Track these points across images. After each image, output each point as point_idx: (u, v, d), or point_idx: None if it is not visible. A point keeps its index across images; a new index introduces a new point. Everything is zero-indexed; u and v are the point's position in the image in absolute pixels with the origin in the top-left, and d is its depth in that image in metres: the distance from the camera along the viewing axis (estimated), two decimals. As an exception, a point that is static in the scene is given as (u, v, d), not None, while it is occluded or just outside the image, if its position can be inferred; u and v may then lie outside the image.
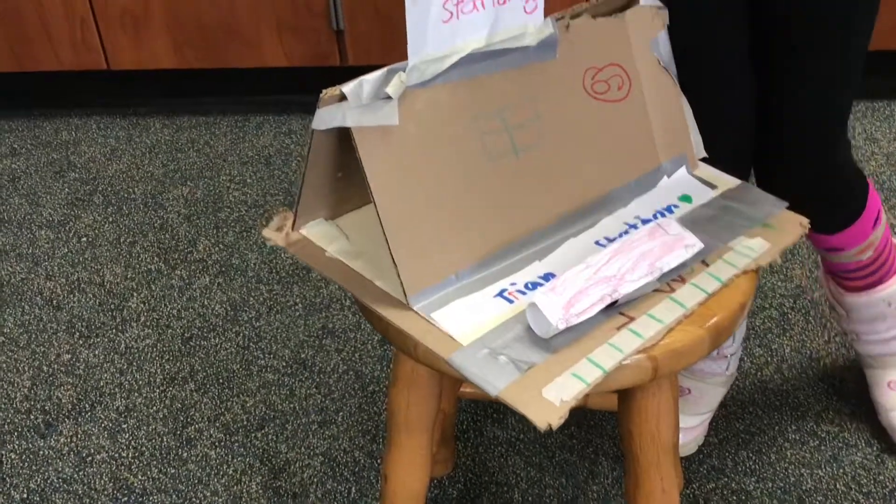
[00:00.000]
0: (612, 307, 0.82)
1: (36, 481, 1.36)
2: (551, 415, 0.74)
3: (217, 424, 1.42)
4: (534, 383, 0.76)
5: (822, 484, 1.29)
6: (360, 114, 0.79)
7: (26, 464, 1.38)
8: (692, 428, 1.33)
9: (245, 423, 1.42)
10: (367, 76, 0.80)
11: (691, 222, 0.92)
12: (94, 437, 1.42)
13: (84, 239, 1.81)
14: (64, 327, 1.61)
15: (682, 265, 0.86)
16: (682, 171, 1.00)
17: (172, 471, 1.36)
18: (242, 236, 1.79)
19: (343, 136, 0.81)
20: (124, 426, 1.43)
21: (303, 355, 1.53)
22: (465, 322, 0.82)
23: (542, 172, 0.90)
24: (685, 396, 1.34)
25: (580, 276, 0.81)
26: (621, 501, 1.29)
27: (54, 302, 1.67)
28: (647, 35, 0.96)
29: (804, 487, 1.29)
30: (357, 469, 1.34)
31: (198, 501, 1.32)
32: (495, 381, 0.77)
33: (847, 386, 1.42)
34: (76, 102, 2.22)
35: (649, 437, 0.90)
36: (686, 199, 0.97)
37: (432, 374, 0.94)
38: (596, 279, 0.81)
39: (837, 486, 1.29)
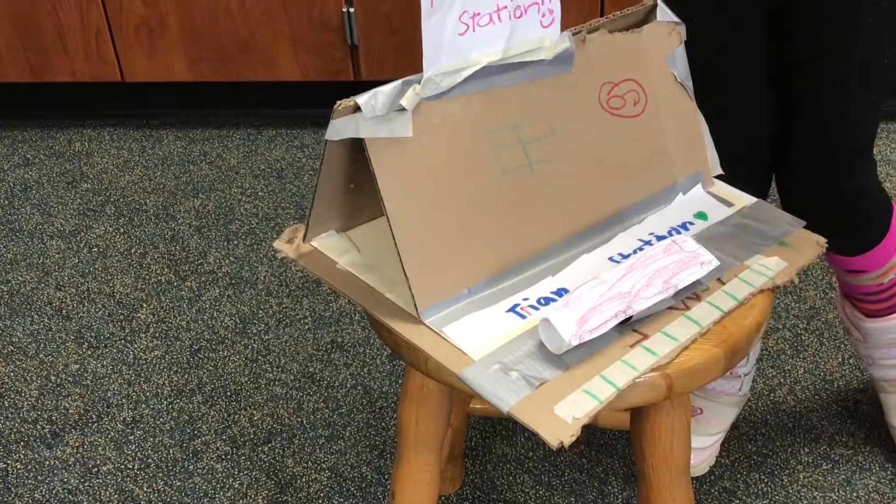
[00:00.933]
0: (626, 324, 0.81)
1: (41, 492, 1.35)
2: (563, 432, 0.72)
3: (224, 437, 1.42)
4: (546, 400, 0.75)
5: (835, 508, 1.27)
6: (374, 125, 0.79)
7: (32, 474, 1.38)
8: (704, 449, 1.31)
9: (252, 436, 1.41)
10: (381, 88, 0.80)
11: (707, 240, 0.91)
12: (100, 449, 1.41)
13: (95, 249, 1.81)
14: (73, 337, 1.61)
15: (698, 283, 0.85)
16: (698, 188, 0.99)
17: (178, 483, 1.35)
18: (253, 249, 1.79)
19: (356, 148, 0.81)
20: (131, 438, 1.42)
21: (311, 369, 1.52)
22: (476, 337, 0.81)
23: (556, 187, 0.89)
24: (697, 416, 1.32)
25: (594, 292, 0.80)
26: (631, 522, 1.27)
27: (63, 312, 1.66)
28: (663, 51, 0.95)
29: (817, 511, 1.27)
30: (364, 485, 1.33)
31: (203, 515, 1.31)
32: (507, 397, 0.76)
33: (861, 408, 1.41)
34: (90, 113, 2.23)
35: (662, 457, 0.89)
36: (702, 216, 0.96)
37: (442, 390, 0.93)
38: (610, 295, 0.80)
39: (851, 510, 1.27)
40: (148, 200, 1.95)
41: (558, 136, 0.90)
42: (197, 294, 1.69)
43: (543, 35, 0.87)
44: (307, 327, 1.60)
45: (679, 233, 0.93)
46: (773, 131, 1.12)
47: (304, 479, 1.35)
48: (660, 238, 0.92)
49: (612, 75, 0.93)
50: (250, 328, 1.61)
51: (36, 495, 1.34)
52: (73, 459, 1.39)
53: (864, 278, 1.22)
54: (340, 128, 0.79)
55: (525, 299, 0.85)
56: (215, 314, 1.64)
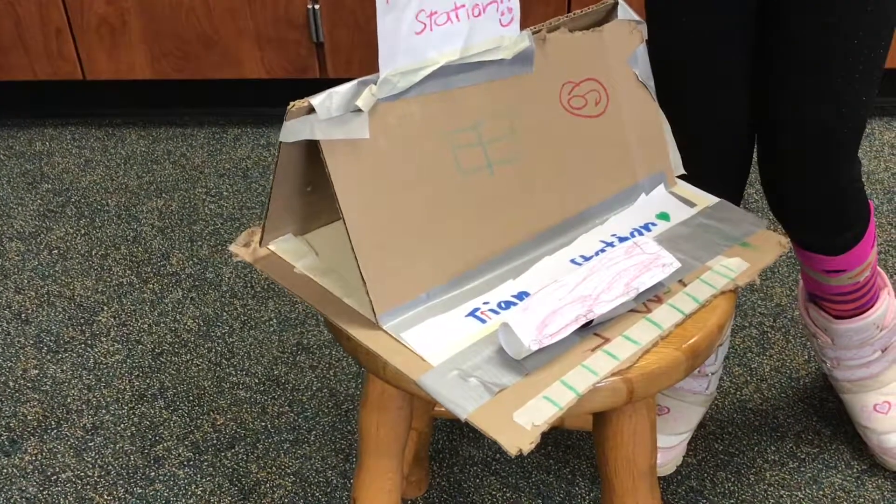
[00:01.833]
0: (587, 328, 0.80)
1: (-2, 501, 1.32)
2: (522, 440, 0.71)
3: (186, 443, 1.39)
4: (505, 407, 0.74)
5: (801, 506, 1.27)
6: (329, 127, 0.77)
7: (-11, 482, 1.35)
8: (670, 448, 1.31)
9: (215, 441, 1.39)
10: (336, 88, 0.78)
11: (669, 241, 0.90)
12: (59, 456, 1.38)
13: (55, 251, 1.78)
14: (31, 342, 1.58)
15: (659, 285, 0.84)
16: (661, 188, 0.98)
17: (139, 490, 1.32)
18: (217, 250, 1.76)
19: (312, 150, 0.79)
20: (91, 444, 1.39)
21: (276, 372, 1.50)
22: (435, 342, 0.79)
23: (516, 188, 0.88)
24: (664, 415, 1.32)
25: (554, 296, 0.78)
26: (598, 524, 1.27)
27: (23, 316, 1.63)
28: (625, 50, 0.94)
29: (784, 510, 1.27)
30: (329, 489, 1.31)
31: (165, 522, 1.29)
32: (465, 404, 0.74)
33: (827, 406, 1.41)
34: (51, 112, 2.19)
35: (625, 462, 0.88)
36: (664, 216, 0.95)
37: (403, 396, 0.91)
38: (570, 299, 0.78)
39: (817, 508, 1.27)
40: (110, 201, 1.91)
41: (519, 136, 0.88)
42: (159, 296, 1.66)
43: (503, 34, 0.86)
44: (272, 329, 1.58)
45: (641, 234, 0.92)
46: (753, 131, 1.11)
47: (267, 485, 1.33)
48: (622, 239, 0.91)
49: (573, 75, 0.92)
50: (214, 331, 1.58)
51: (-7, 504, 1.32)
52: (31, 467, 1.36)
53: (843, 278, 1.22)
54: (294, 129, 0.77)
55: (485, 303, 0.83)
56: (178, 317, 1.61)
